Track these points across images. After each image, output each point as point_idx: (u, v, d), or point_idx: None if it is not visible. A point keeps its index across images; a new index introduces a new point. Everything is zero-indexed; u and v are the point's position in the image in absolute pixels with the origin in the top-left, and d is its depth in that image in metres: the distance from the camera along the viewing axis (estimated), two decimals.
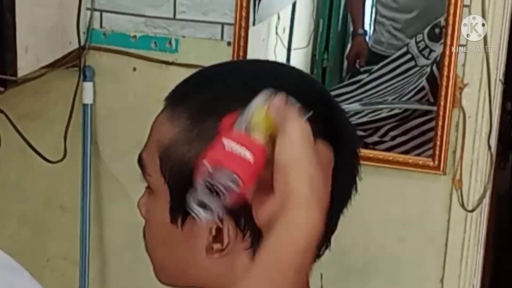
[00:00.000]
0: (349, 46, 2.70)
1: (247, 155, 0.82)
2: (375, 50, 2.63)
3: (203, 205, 0.83)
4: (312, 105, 0.90)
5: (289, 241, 0.82)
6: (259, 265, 0.84)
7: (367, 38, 2.66)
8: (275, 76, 0.94)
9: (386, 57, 2.56)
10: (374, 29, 2.64)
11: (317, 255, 0.94)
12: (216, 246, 0.89)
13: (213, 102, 0.90)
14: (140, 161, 0.96)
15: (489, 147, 2.24)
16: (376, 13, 2.63)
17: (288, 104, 0.86)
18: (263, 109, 0.85)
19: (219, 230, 0.89)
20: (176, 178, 0.90)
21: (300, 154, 0.83)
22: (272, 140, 0.85)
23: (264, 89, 0.87)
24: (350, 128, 0.96)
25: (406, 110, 2.45)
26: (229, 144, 0.83)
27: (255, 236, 0.89)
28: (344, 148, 0.93)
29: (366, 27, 2.66)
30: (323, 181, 0.84)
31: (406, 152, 2.35)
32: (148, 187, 0.96)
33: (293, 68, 1.01)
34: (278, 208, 0.83)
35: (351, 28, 2.68)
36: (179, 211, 0.90)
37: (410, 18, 2.55)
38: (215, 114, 0.88)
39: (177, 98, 0.93)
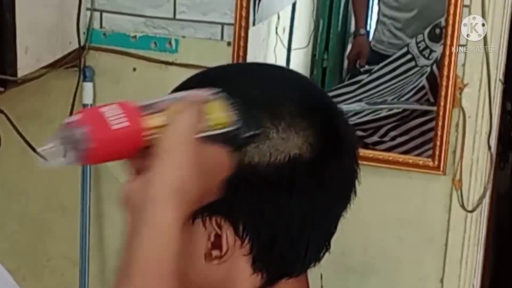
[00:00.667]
0: (349, 46, 2.70)
1: (116, 123, 0.81)
2: (376, 49, 2.63)
3: (52, 153, 0.82)
4: (312, 110, 0.91)
5: (152, 242, 0.81)
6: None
7: (369, 37, 2.66)
8: (274, 82, 0.94)
9: (387, 56, 2.56)
10: (376, 28, 2.64)
11: (317, 259, 0.94)
12: (215, 252, 0.89)
13: None
14: None
15: (489, 147, 2.24)
16: (378, 12, 2.63)
17: (210, 99, 0.86)
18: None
19: (217, 237, 0.89)
20: None
21: (174, 146, 0.83)
22: None
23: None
24: (350, 132, 0.96)
25: (405, 109, 2.45)
26: (110, 108, 0.82)
27: (254, 242, 0.89)
28: (344, 152, 0.93)
29: (369, 26, 2.66)
30: (193, 180, 0.82)
31: (406, 152, 2.35)
32: None
33: (293, 72, 1.01)
34: (139, 193, 0.82)
35: (352, 28, 2.68)
36: None
37: (410, 17, 2.56)
38: None
39: None
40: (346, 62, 2.70)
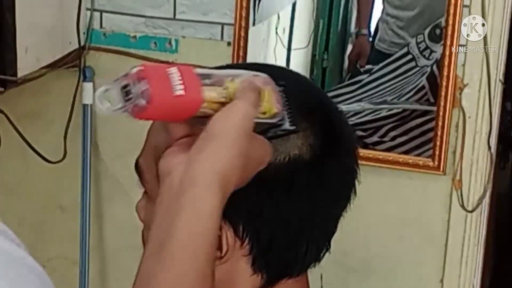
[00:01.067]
0: (350, 46, 2.70)
1: (178, 89, 0.80)
2: (378, 48, 2.63)
3: (108, 98, 0.80)
4: (312, 110, 0.91)
5: (189, 223, 0.80)
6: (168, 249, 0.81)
7: (370, 37, 2.66)
8: (274, 81, 0.94)
9: (389, 55, 2.56)
10: (378, 27, 2.64)
11: (317, 259, 0.94)
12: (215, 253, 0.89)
13: None
14: (137, 167, 0.95)
15: (489, 147, 2.24)
16: (382, 11, 2.63)
17: (264, 87, 0.85)
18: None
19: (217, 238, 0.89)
20: None
21: (229, 133, 0.81)
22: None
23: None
24: (349, 131, 0.96)
25: (405, 109, 2.45)
26: (174, 71, 0.81)
27: (254, 242, 0.89)
28: (343, 152, 0.93)
29: (372, 26, 2.66)
30: (238, 171, 0.82)
31: (406, 152, 2.35)
32: (146, 192, 0.96)
33: (293, 73, 1.01)
34: (182, 170, 0.81)
35: (354, 28, 2.68)
36: None
37: (412, 16, 2.55)
38: None
39: None
40: (346, 62, 2.70)
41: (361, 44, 2.66)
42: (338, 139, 0.92)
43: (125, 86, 0.80)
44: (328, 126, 0.92)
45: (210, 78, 0.83)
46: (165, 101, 0.80)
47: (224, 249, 0.89)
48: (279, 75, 0.98)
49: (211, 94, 0.82)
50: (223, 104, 0.83)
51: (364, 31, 2.65)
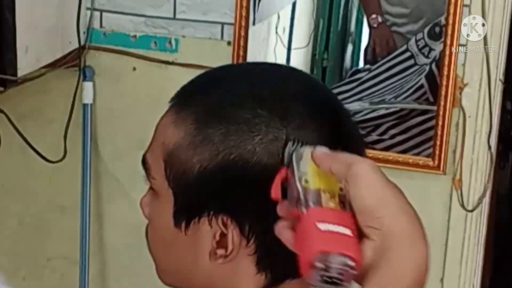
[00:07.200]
0: (350, 46, 2.69)
1: (344, 230, 0.77)
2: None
3: None
4: (320, 112, 0.90)
5: (393, 281, 0.76)
6: None
7: None
8: (282, 83, 0.93)
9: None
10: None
11: None
12: (220, 251, 0.89)
13: (218, 108, 0.89)
14: (144, 162, 0.95)
15: (489, 147, 2.24)
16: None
17: (331, 152, 0.83)
18: (314, 173, 0.81)
19: (223, 236, 0.89)
20: (180, 183, 0.90)
21: (384, 193, 0.81)
22: (338, 193, 0.80)
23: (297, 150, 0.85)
24: (357, 132, 0.96)
25: (404, 108, 2.45)
26: (325, 227, 0.77)
27: (259, 242, 0.89)
28: (351, 153, 0.93)
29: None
30: (415, 213, 0.81)
31: (405, 151, 2.35)
32: (151, 188, 0.96)
33: (301, 73, 1.00)
34: (379, 252, 0.77)
35: (368, 16, 2.63)
36: (183, 215, 0.90)
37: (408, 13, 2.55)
38: (220, 120, 0.88)
39: (183, 101, 0.93)
40: (346, 62, 2.69)
41: (386, 32, 2.60)
42: (346, 140, 0.92)
43: (322, 280, 0.76)
44: (337, 127, 0.91)
45: (311, 201, 0.79)
46: (354, 244, 0.77)
47: (230, 248, 0.89)
48: (288, 75, 0.98)
49: (332, 203, 0.79)
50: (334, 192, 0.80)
51: (380, 18, 2.60)
